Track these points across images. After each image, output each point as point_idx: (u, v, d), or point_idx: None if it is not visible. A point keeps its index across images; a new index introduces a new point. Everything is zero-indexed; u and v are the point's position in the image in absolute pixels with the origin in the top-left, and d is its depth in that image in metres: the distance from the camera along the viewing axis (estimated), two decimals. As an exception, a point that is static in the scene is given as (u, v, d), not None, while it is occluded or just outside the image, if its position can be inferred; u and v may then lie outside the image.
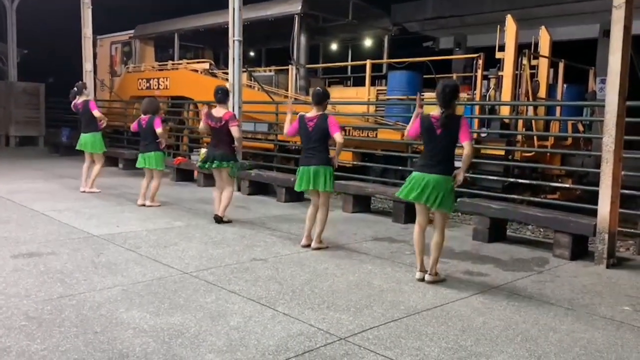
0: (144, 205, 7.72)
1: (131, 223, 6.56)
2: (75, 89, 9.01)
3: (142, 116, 7.79)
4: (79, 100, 8.90)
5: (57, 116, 18.75)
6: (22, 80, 18.31)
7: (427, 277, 4.65)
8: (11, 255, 4.99)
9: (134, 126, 7.99)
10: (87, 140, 8.72)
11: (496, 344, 3.43)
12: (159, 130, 7.57)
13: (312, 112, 5.69)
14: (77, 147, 8.93)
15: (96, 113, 8.66)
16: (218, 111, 6.70)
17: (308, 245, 5.68)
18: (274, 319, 3.69)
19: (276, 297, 4.12)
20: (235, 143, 6.83)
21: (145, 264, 4.88)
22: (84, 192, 8.64)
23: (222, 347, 3.22)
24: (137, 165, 7.93)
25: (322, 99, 5.70)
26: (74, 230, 6.06)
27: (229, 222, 6.80)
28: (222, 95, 6.78)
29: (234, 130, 6.64)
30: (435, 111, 4.76)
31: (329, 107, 10.23)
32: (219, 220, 6.74)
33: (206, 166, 6.76)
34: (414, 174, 4.68)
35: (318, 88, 5.87)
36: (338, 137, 5.50)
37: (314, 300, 4.08)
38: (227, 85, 9.57)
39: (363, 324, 3.65)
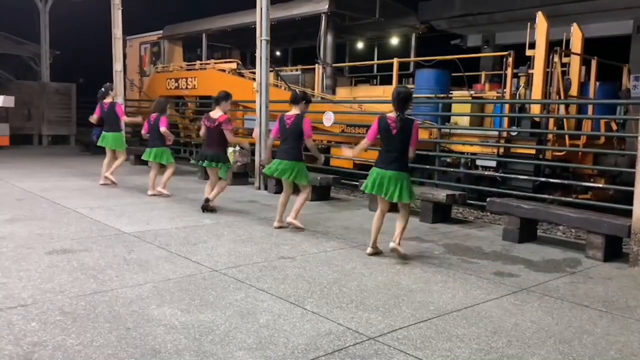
0: (154, 195, 8.34)
1: (161, 221, 6.65)
2: (103, 89, 9.52)
3: (152, 115, 8.43)
4: (105, 100, 9.39)
5: (88, 116, 19.12)
6: (54, 81, 18.72)
7: (391, 243, 5.19)
8: (46, 251, 5.10)
9: (144, 126, 8.59)
10: (108, 137, 9.24)
11: (528, 346, 3.37)
12: (162, 129, 8.20)
13: (291, 112, 6.36)
14: (98, 144, 9.46)
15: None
16: (215, 113, 7.17)
17: (280, 227, 6.41)
18: (303, 317, 3.70)
19: (305, 296, 4.13)
20: (229, 143, 7.44)
21: (175, 261, 4.94)
22: (104, 184, 9.19)
23: (252, 344, 3.24)
24: (142, 157, 8.71)
25: (296, 100, 6.37)
26: (106, 228, 6.17)
27: (213, 210, 7.24)
28: (218, 99, 7.22)
29: (227, 134, 7.10)
30: (392, 113, 5.21)
31: (356, 106, 10.28)
32: (205, 207, 7.19)
33: (199, 163, 7.43)
34: (374, 169, 5.29)
35: (296, 90, 6.67)
36: (309, 142, 6.30)
37: (343, 299, 4.08)
38: (255, 85, 9.65)
39: (392, 324, 3.63)
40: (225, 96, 7.24)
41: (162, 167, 8.55)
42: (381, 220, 5.44)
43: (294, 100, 6.40)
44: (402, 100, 5.14)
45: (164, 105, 8.51)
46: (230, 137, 7.24)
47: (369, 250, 5.43)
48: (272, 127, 6.56)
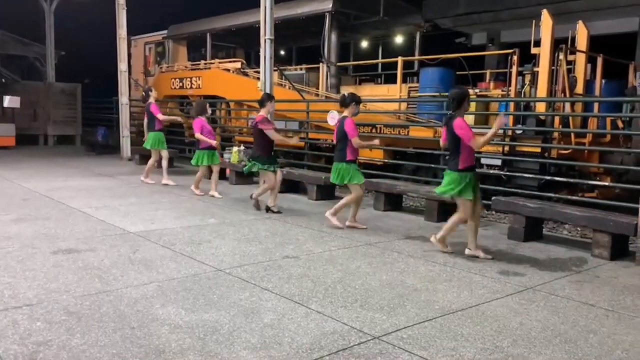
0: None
1: (165, 220, 6.66)
2: (144, 93, 10.10)
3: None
4: (148, 102, 9.82)
5: (93, 115, 19.22)
6: (60, 81, 18.79)
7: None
8: (51, 251, 5.12)
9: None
10: (149, 137, 9.70)
11: (534, 346, 3.35)
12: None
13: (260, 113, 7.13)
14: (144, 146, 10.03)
15: (161, 116, 9.70)
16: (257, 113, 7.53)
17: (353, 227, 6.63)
18: (308, 316, 3.69)
19: (309, 295, 4.12)
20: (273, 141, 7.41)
21: (179, 260, 4.95)
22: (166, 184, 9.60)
23: (256, 344, 3.24)
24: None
25: (261, 102, 7.23)
26: (111, 227, 6.19)
27: (279, 212, 7.38)
28: (260, 99, 7.53)
29: (268, 133, 7.14)
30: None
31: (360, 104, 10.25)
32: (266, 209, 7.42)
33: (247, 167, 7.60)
34: (468, 174, 5.30)
35: (344, 94, 6.80)
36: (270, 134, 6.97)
37: (347, 299, 4.07)
38: (259, 84, 9.65)
39: (397, 323, 3.62)
40: (266, 97, 7.50)
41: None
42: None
43: (343, 102, 6.53)
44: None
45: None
46: (274, 136, 7.21)
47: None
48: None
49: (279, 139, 7.56)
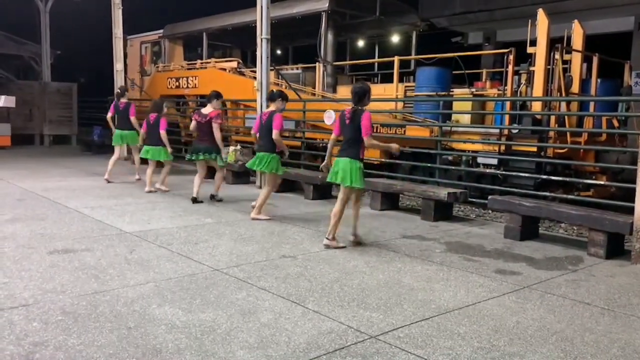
0: (151, 191, 8.62)
1: (162, 220, 6.65)
2: (119, 91, 10.14)
3: (151, 115, 8.70)
4: (121, 101, 9.87)
5: (89, 115, 19.15)
6: (55, 81, 18.73)
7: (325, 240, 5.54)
8: (47, 251, 5.11)
9: (144, 126, 8.85)
10: (124, 135, 9.72)
11: (530, 344, 3.37)
12: (162, 132, 8.49)
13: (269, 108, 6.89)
14: (113, 143, 9.94)
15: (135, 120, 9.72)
16: (206, 109, 7.72)
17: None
18: (305, 316, 3.70)
19: (306, 295, 4.12)
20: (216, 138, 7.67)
21: (176, 260, 4.94)
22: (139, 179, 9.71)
23: (254, 343, 3.24)
24: (140, 155, 9.09)
25: (272, 98, 6.91)
26: (107, 227, 6.17)
27: (220, 200, 7.91)
28: (210, 97, 7.79)
29: (214, 127, 7.56)
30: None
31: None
32: (194, 200, 7.76)
33: (193, 158, 7.76)
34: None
35: (272, 90, 7.03)
36: (274, 134, 6.59)
37: (344, 298, 4.07)
38: (255, 83, 9.64)
39: (394, 323, 3.63)
40: (217, 95, 7.83)
41: (159, 166, 8.96)
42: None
43: (271, 97, 6.88)
44: (355, 96, 5.43)
45: (160, 106, 8.83)
46: (217, 131, 7.62)
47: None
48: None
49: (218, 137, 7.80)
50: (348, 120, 5.49)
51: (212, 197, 7.96)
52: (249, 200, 8.29)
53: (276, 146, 6.71)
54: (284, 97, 6.95)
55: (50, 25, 18.32)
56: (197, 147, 7.76)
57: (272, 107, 6.82)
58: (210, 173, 8.53)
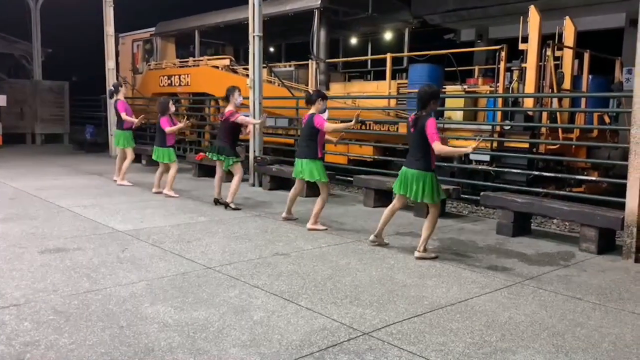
0: (159, 192, 8.38)
1: (155, 219, 6.63)
2: (112, 88, 9.88)
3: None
4: (115, 98, 9.57)
5: (81, 113, 19.04)
6: (47, 79, 18.61)
7: (415, 253, 5.22)
8: (39, 250, 5.08)
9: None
10: (118, 136, 9.47)
11: (522, 340, 3.38)
12: (167, 129, 8.21)
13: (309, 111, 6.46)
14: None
15: (124, 116, 9.31)
16: (226, 108, 7.49)
17: (287, 219, 6.71)
18: (297, 313, 3.70)
19: (299, 292, 4.12)
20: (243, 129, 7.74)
21: (169, 259, 4.93)
22: (116, 182, 9.39)
23: (246, 341, 3.23)
24: (153, 157, 8.68)
25: (310, 100, 6.43)
26: (99, 226, 6.15)
27: (237, 209, 7.31)
28: (226, 94, 7.48)
29: (239, 120, 7.33)
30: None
31: (349, 101, 10.26)
32: (216, 202, 7.58)
33: (210, 155, 7.56)
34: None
35: (308, 91, 6.74)
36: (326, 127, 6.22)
37: (337, 295, 4.07)
38: (248, 81, 9.61)
39: (386, 319, 3.64)
40: (231, 90, 7.45)
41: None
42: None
43: (308, 100, 6.47)
44: (420, 100, 5.08)
45: (166, 105, 8.36)
46: (242, 121, 7.42)
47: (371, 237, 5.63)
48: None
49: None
50: (412, 129, 5.14)
51: (226, 206, 7.36)
52: (242, 197, 8.29)
53: (317, 152, 6.24)
54: (322, 97, 6.36)
55: (41, 23, 18.21)
56: (213, 145, 7.66)
57: (312, 110, 6.27)
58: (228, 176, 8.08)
